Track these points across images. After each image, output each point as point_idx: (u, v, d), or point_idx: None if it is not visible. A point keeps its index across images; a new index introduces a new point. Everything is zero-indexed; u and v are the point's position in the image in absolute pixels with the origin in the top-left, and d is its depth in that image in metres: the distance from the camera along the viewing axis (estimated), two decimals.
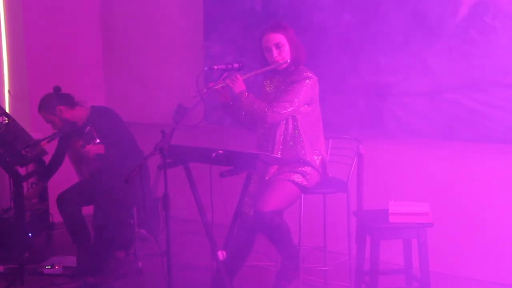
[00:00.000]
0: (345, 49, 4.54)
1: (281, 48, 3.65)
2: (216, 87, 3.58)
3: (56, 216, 5.05)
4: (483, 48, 3.98)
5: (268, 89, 3.84)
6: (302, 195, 3.72)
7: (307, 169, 3.70)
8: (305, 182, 3.66)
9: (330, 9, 4.57)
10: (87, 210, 4.60)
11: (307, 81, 3.64)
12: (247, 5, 5.05)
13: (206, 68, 3.60)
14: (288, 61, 3.67)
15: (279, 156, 3.58)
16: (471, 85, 4.05)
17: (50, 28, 5.75)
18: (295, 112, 3.67)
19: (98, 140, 4.05)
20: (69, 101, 4.52)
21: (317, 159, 3.75)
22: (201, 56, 5.40)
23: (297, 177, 3.65)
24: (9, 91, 5.83)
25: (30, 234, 4.74)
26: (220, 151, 3.39)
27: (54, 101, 4.47)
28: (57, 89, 4.52)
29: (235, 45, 5.16)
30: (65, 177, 4.81)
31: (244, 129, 3.98)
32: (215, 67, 3.59)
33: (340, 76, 4.57)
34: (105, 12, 6.21)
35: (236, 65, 3.62)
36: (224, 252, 3.58)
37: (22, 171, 4.79)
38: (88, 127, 4.05)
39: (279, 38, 3.65)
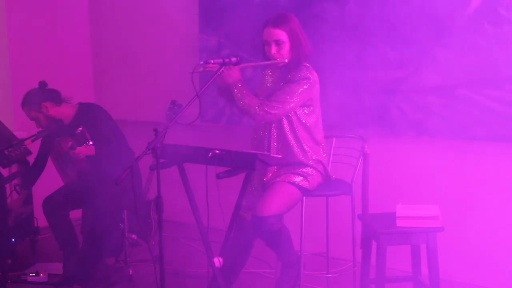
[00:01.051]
0: (350, 42, 4.54)
1: (281, 45, 3.66)
2: (213, 68, 3.58)
3: (41, 221, 5.05)
4: (497, 41, 3.98)
5: (268, 84, 3.85)
6: (304, 197, 3.72)
7: (308, 170, 3.70)
8: (306, 184, 3.67)
9: (335, 1, 4.57)
10: (75, 214, 4.61)
11: (305, 82, 3.63)
12: None
13: (201, 62, 3.60)
14: (286, 60, 3.67)
15: (279, 156, 3.59)
16: (484, 80, 4.05)
17: (34, 21, 5.74)
18: (289, 113, 3.68)
19: (91, 142, 4.05)
20: (55, 97, 4.52)
21: (318, 160, 3.76)
22: (196, 49, 5.40)
23: (298, 179, 3.66)
24: None
25: (13, 240, 4.74)
26: (217, 151, 3.40)
27: (39, 97, 4.47)
28: (42, 84, 4.52)
29: (233, 37, 5.16)
30: (50, 179, 4.80)
31: (239, 124, 3.98)
32: (212, 61, 3.59)
33: (345, 71, 4.57)
34: (94, 3, 6.21)
35: (233, 59, 3.61)
36: (221, 259, 3.59)
37: (4, 172, 4.79)
38: (81, 128, 4.04)
39: (280, 35, 3.65)
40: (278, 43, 3.65)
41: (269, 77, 3.87)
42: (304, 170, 3.70)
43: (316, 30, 4.61)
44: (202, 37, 5.37)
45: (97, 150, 4.26)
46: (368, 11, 4.46)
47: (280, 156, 3.60)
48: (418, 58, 4.29)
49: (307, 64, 3.73)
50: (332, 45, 4.60)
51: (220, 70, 3.58)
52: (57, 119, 4.50)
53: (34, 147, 4.70)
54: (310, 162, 3.71)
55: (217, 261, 3.57)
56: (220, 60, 3.60)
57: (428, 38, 4.24)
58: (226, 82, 3.66)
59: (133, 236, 4.66)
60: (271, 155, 3.55)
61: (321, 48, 4.58)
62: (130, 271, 4.46)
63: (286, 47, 3.67)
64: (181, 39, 5.60)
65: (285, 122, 3.71)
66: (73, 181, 4.60)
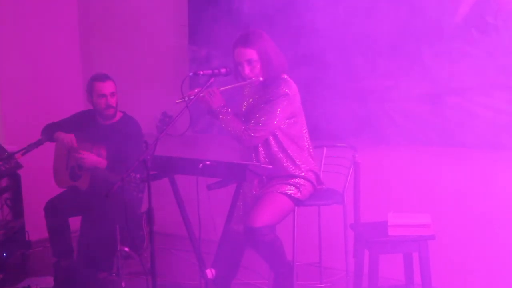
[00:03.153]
0: (339, 51, 4.55)
1: (252, 64, 3.67)
2: (194, 97, 3.58)
3: (32, 235, 5.05)
4: (485, 49, 4.01)
5: (248, 101, 3.87)
6: (296, 208, 3.73)
7: (300, 180, 3.72)
8: (298, 194, 3.68)
9: (323, 10, 4.59)
10: (73, 226, 4.60)
11: (284, 98, 3.65)
12: (234, 5, 5.07)
13: (191, 74, 3.62)
14: (261, 79, 3.68)
15: (270, 167, 3.60)
16: (474, 88, 4.08)
17: (23, 32, 5.73)
18: (274, 131, 3.70)
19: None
20: None
21: (308, 170, 3.77)
22: (186, 60, 5.42)
23: (290, 189, 3.67)
24: None
25: (4, 254, 4.73)
26: (207, 162, 3.41)
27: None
28: None
29: (222, 48, 5.17)
30: (42, 194, 4.79)
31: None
32: (201, 72, 3.61)
33: (334, 80, 4.58)
34: (83, 13, 6.21)
35: (223, 70, 3.63)
36: (213, 270, 3.60)
37: None
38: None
39: (250, 54, 3.66)
40: (250, 62, 3.67)
41: (247, 94, 3.89)
42: (296, 180, 3.71)
43: (306, 40, 4.63)
44: (192, 48, 5.39)
45: (112, 164, 4.30)
46: (357, 20, 4.48)
47: (270, 166, 3.61)
48: (407, 66, 4.32)
49: (285, 76, 3.74)
50: (321, 55, 4.61)
51: (202, 95, 3.59)
52: (106, 115, 4.56)
53: (25, 161, 4.69)
54: (301, 173, 3.72)
55: (210, 272, 3.58)
56: (210, 71, 3.61)
57: (417, 47, 4.26)
58: (211, 108, 3.69)
59: (125, 248, 4.66)
60: (262, 165, 3.56)
61: (310, 57, 4.60)
62: (123, 283, 4.45)
63: (258, 65, 3.68)
64: (170, 50, 5.61)
65: (270, 137, 3.72)
66: (76, 187, 4.54)
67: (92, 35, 6.17)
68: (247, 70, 3.68)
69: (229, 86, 3.76)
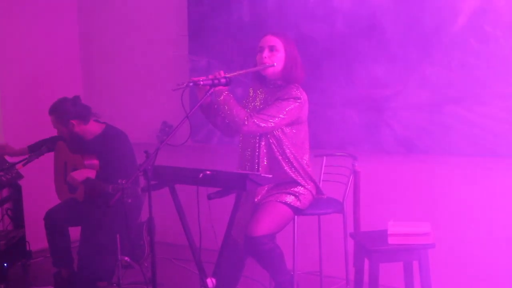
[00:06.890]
0: (338, 60, 4.58)
1: (274, 51, 3.70)
2: (200, 83, 3.58)
3: (33, 245, 5.04)
4: (484, 58, 4.03)
5: (258, 102, 3.86)
6: (295, 216, 3.73)
7: (300, 189, 3.72)
8: (298, 203, 3.68)
9: (323, 19, 4.62)
10: (73, 236, 4.60)
11: (295, 101, 3.65)
12: (234, 15, 5.09)
13: (191, 83, 3.62)
14: (275, 64, 3.69)
15: (270, 176, 3.60)
16: (472, 97, 4.10)
17: (24, 43, 5.75)
18: (276, 129, 3.70)
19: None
20: (85, 115, 4.47)
21: (309, 178, 3.77)
22: (186, 70, 5.43)
23: (290, 198, 3.67)
24: None
25: (5, 264, 4.73)
26: (208, 172, 3.41)
27: (68, 113, 4.42)
28: (75, 100, 4.48)
29: (222, 58, 5.19)
30: (43, 204, 4.79)
31: (224, 136, 4.00)
32: (201, 82, 3.62)
33: (334, 89, 4.61)
34: (83, 24, 6.23)
35: (223, 80, 3.64)
36: (214, 280, 3.59)
37: None
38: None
39: (276, 41, 3.70)
40: (272, 48, 3.70)
41: (259, 95, 3.88)
42: (296, 189, 3.71)
43: (305, 50, 4.63)
44: (192, 58, 5.40)
45: (102, 175, 4.28)
46: (356, 30, 4.50)
47: (270, 176, 3.61)
48: (406, 75, 4.33)
49: (297, 85, 3.75)
50: (320, 64, 4.63)
51: (210, 91, 3.60)
52: (80, 135, 4.48)
53: (26, 171, 4.69)
54: (301, 181, 3.73)
55: (210, 282, 3.57)
56: (210, 82, 3.61)
57: (416, 56, 4.28)
58: (213, 91, 3.66)
59: (126, 258, 4.66)
60: (262, 175, 3.56)
61: (310, 67, 4.61)
62: None
63: (280, 55, 3.70)
64: (171, 60, 5.62)
65: (273, 140, 3.73)
66: (79, 202, 4.54)
67: (92, 46, 6.19)
68: (265, 53, 3.70)
69: (237, 72, 3.76)
